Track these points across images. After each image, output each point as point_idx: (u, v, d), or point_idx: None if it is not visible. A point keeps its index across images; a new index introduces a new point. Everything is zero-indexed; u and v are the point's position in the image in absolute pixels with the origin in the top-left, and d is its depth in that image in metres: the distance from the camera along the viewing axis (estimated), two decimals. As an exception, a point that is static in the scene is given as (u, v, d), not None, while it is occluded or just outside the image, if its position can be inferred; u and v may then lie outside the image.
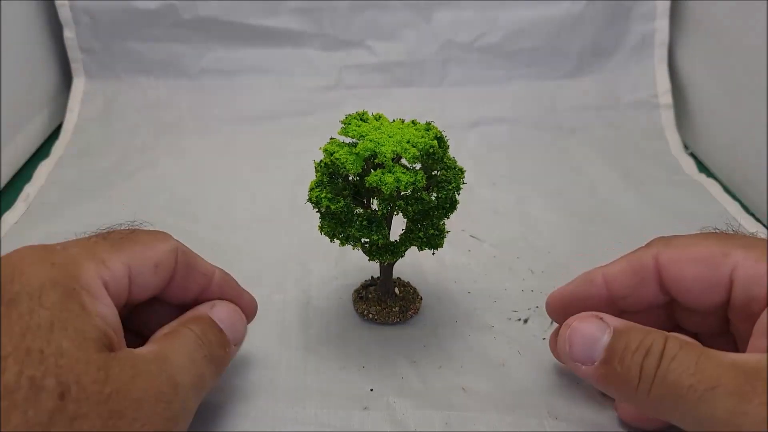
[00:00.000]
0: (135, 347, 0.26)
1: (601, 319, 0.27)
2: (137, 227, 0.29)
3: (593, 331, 0.27)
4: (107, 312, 0.24)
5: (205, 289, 0.30)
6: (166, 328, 0.28)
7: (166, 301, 0.30)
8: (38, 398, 0.20)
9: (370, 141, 0.30)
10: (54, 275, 0.23)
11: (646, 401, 0.24)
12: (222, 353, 0.29)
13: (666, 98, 0.65)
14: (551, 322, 0.38)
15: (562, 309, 0.32)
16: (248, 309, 0.33)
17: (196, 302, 0.31)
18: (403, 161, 0.31)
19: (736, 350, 0.29)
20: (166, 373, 0.24)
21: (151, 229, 0.30)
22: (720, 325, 0.30)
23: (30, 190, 0.53)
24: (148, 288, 0.28)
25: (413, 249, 0.34)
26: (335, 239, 0.33)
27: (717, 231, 0.30)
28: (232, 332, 0.30)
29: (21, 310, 0.22)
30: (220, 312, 0.30)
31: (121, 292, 0.26)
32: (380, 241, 0.32)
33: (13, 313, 0.22)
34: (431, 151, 0.30)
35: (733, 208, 0.52)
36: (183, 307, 0.31)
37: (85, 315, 0.23)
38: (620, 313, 0.30)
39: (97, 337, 0.23)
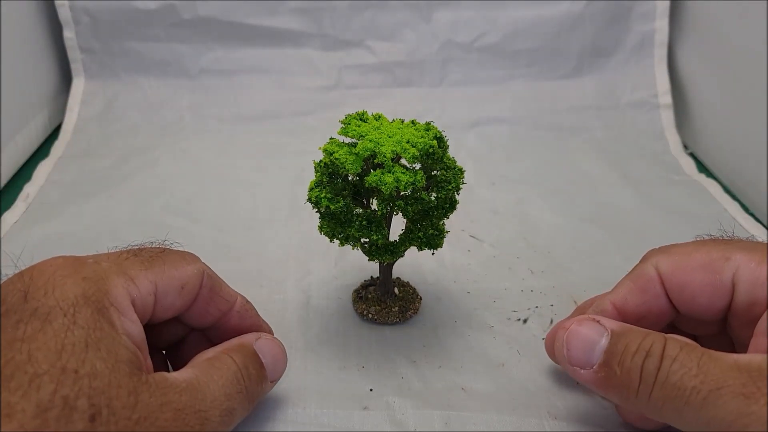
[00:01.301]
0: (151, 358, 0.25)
1: (597, 322, 0.27)
2: (167, 246, 0.29)
3: (591, 334, 0.26)
4: (133, 330, 0.24)
5: (225, 314, 0.30)
6: (209, 353, 0.28)
7: (185, 322, 0.30)
8: (70, 419, 0.20)
9: (370, 141, 0.30)
10: (86, 290, 0.23)
11: (646, 404, 0.24)
12: (258, 388, 0.29)
13: (666, 98, 0.65)
14: (551, 322, 0.38)
15: None
16: None
17: (214, 327, 0.30)
18: (403, 161, 0.31)
19: (734, 352, 0.29)
20: (195, 407, 0.24)
21: (180, 249, 0.30)
22: (718, 327, 0.29)
23: (30, 190, 0.53)
24: (172, 308, 0.28)
25: (413, 249, 0.34)
26: (335, 239, 0.33)
27: (712, 237, 0.29)
28: (272, 368, 0.30)
29: (56, 327, 0.22)
30: (265, 345, 0.30)
31: (147, 310, 0.26)
32: (380, 241, 0.32)
33: (48, 329, 0.22)
34: (431, 151, 0.30)
35: (733, 208, 0.52)
36: (200, 329, 0.31)
37: (116, 334, 0.23)
38: None
39: (128, 359, 0.23)
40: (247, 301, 0.32)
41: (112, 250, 0.28)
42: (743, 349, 0.26)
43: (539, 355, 0.35)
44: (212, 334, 0.31)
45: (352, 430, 0.31)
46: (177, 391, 0.24)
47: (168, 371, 0.26)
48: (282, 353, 0.31)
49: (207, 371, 0.26)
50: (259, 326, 0.32)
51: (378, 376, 0.34)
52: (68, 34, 0.65)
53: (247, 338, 0.30)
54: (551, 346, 0.32)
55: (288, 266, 0.43)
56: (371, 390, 0.33)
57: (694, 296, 0.28)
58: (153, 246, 0.29)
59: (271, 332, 0.33)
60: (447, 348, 0.36)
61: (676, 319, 0.30)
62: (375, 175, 0.29)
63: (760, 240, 0.29)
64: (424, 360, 0.35)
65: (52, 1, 0.64)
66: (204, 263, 0.30)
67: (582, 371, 0.26)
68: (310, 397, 0.32)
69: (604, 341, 0.26)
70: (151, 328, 0.29)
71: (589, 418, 0.31)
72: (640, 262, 0.30)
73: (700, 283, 0.27)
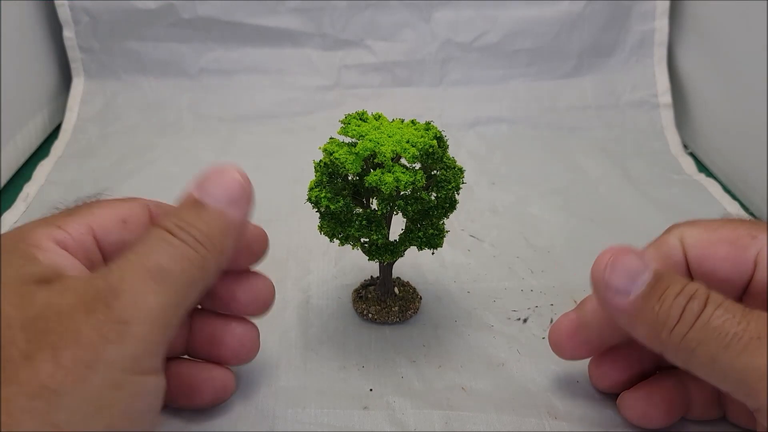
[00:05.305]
0: None
1: (641, 256, 0.26)
2: (106, 197, 0.29)
3: (636, 263, 0.26)
4: (64, 262, 0.24)
5: None
6: None
7: None
8: None
9: (370, 141, 0.30)
10: (4, 241, 0.24)
11: (677, 345, 0.24)
12: (200, 251, 0.26)
13: (666, 98, 0.65)
14: (551, 322, 0.38)
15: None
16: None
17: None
18: (403, 161, 0.31)
19: None
20: (96, 286, 0.22)
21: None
22: None
23: (30, 189, 0.53)
24: (121, 243, 0.27)
25: (413, 249, 0.34)
26: (335, 239, 0.33)
27: (738, 217, 0.30)
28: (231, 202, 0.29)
29: None
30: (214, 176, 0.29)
31: (90, 250, 0.26)
32: (380, 241, 0.32)
33: None
34: (431, 150, 0.30)
35: (733, 208, 0.52)
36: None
37: (28, 261, 0.23)
38: None
39: (33, 273, 0.23)
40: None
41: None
42: None
43: (539, 355, 0.35)
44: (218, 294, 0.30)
45: (352, 429, 0.31)
46: (80, 279, 0.23)
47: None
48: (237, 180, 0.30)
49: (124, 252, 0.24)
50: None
51: (378, 375, 0.34)
52: (68, 33, 0.65)
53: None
54: (555, 334, 0.32)
55: (288, 266, 0.43)
56: (371, 390, 0.33)
57: (715, 269, 0.28)
58: (87, 198, 0.28)
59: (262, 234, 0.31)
60: (447, 348, 0.36)
61: None
62: (375, 175, 0.29)
63: None
64: (424, 360, 0.35)
65: (52, 1, 0.64)
66: (151, 200, 0.29)
67: (617, 298, 0.26)
68: (309, 396, 0.32)
69: (647, 275, 0.26)
70: None
71: (589, 418, 0.31)
72: (664, 233, 0.30)
73: (723, 257, 0.28)
